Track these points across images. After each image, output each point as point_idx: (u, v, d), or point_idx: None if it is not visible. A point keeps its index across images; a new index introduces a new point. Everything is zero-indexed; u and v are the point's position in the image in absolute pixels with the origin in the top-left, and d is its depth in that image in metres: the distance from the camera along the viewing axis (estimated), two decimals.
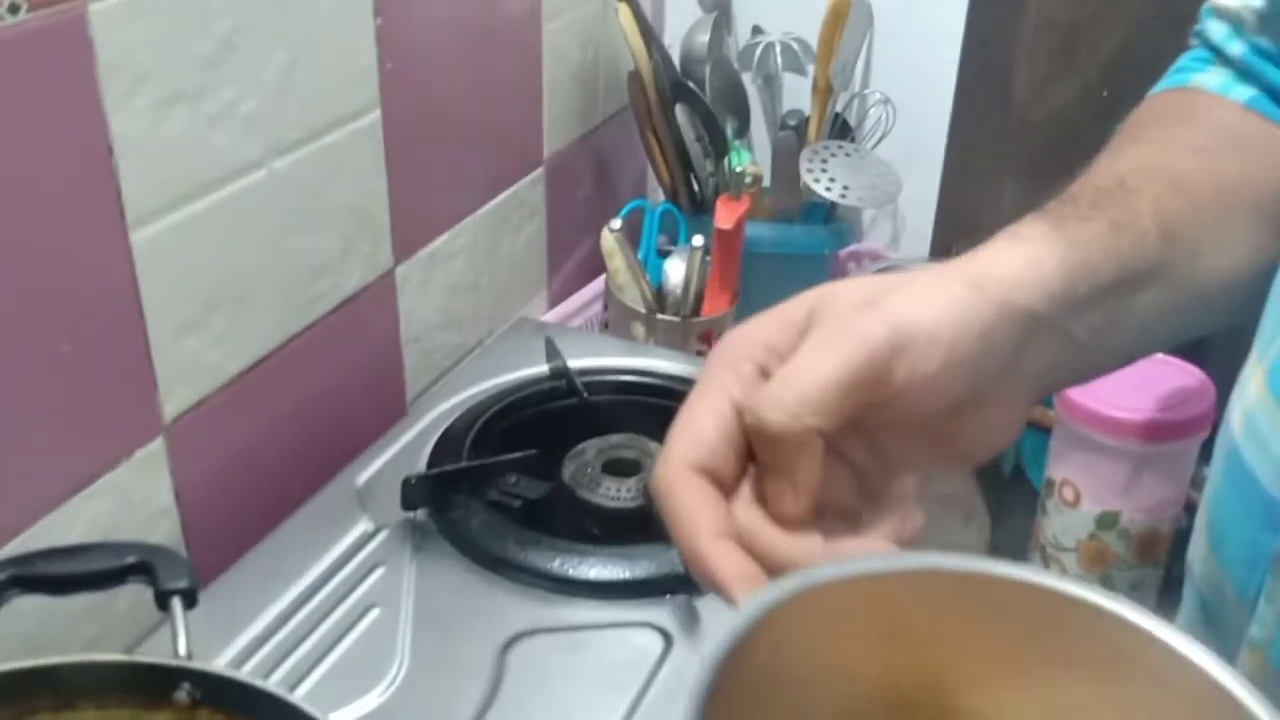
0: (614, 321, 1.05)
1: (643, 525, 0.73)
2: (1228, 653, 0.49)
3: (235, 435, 0.75)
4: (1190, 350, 0.85)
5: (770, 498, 0.37)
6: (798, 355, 0.38)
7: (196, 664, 0.50)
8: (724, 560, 0.36)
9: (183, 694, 0.50)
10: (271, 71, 0.71)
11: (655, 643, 0.67)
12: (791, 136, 1.08)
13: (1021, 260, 0.42)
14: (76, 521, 0.64)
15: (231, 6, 0.67)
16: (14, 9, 0.55)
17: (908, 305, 0.39)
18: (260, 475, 0.77)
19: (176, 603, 0.52)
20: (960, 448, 0.42)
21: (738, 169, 1.04)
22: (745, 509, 0.37)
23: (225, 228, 0.70)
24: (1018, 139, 1.08)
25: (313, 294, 0.79)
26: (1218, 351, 0.86)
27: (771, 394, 0.37)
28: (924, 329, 0.38)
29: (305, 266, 0.78)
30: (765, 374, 0.38)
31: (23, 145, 0.57)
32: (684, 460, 0.37)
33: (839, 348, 0.37)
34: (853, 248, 1.19)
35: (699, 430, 0.37)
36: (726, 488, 0.38)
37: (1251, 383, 0.49)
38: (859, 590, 0.34)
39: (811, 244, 1.11)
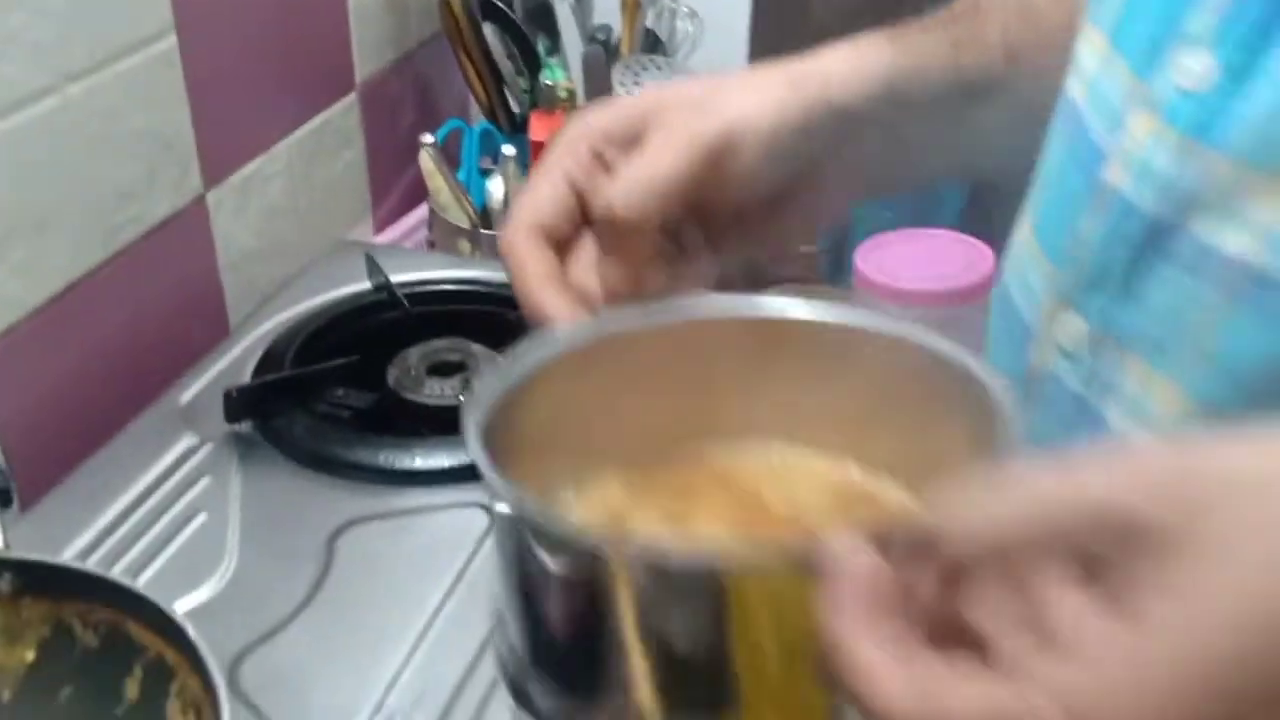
0: (440, 241, 1.08)
1: None
2: None
3: (49, 363, 0.76)
4: (977, 231, 0.92)
5: (600, 272, 0.43)
6: (642, 153, 0.43)
7: (15, 554, 0.52)
8: (552, 298, 0.42)
9: (4, 584, 0.51)
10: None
11: (479, 520, 0.71)
12: (600, 51, 1.11)
13: (846, 63, 0.48)
14: None
15: None
16: None
17: (735, 105, 0.44)
18: (80, 400, 0.78)
19: None
20: (780, 233, 0.48)
21: (549, 84, 1.06)
22: (582, 272, 0.43)
23: (19, 157, 0.71)
24: (816, 44, 1.13)
25: (118, 221, 0.80)
26: (1003, 230, 0.93)
27: (619, 186, 0.42)
28: (749, 125, 0.44)
29: (108, 194, 0.79)
30: (600, 158, 0.44)
31: None
32: (523, 222, 0.43)
33: (675, 147, 0.43)
34: None
35: (538, 200, 0.44)
36: (560, 248, 0.44)
37: (1021, 228, 0.54)
38: (635, 340, 0.41)
39: None
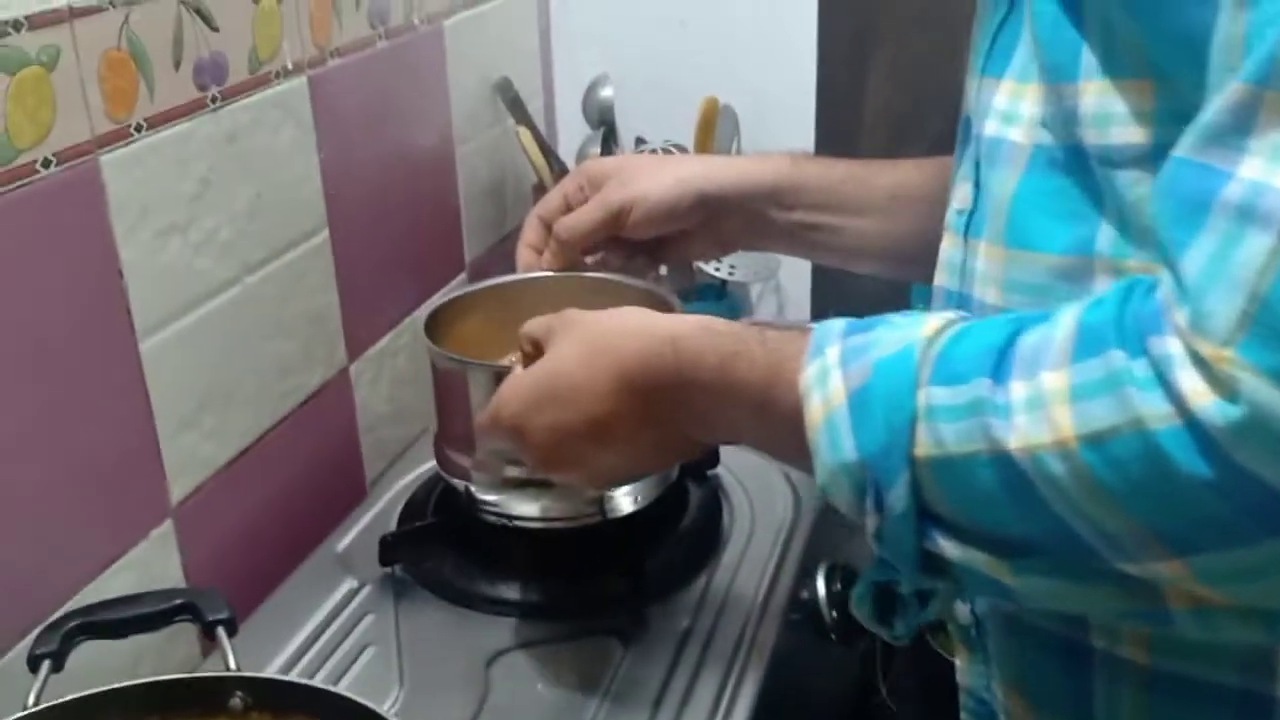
0: None
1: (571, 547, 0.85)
2: None
3: (229, 516, 0.86)
4: None
5: (549, 253, 0.85)
6: (582, 207, 0.83)
7: (246, 672, 0.61)
8: (525, 254, 0.86)
9: (236, 701, 0.60)
10: (242, 203, 0.84)
11: (615, 646, 0.79)
12: None
13: (735, 168, 0.84)
14: (107, 594, 0.74)
15: (206, 151, 0.80)
16: (46, 163, 0.67)
17: (641, 184, 0.81)
18: (252, 549, 0.88)
19: (221, 631, 0.63)
20: (686, 254, 0.88)
21: None
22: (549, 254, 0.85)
23: (211, 337, 0.82)
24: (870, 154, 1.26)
25: (282, 391, 0.91)
26: None
27: (563, 221, 0.83)
28: (643, 198, 0.81)
29: (275, 368, 0.90)
30: (580, 189, 0.84)
31: (47, 272, 0.69)
32: (535, 211, 0.86)
33: (595, 205, 0.82)
34: (748, 319, 1.35)
35: (548, 201, 0.85)
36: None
37: None
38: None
39: None
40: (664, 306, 0.82)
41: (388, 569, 0.86)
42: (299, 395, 0.93)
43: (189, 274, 0.80)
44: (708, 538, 0.89)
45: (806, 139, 1.27)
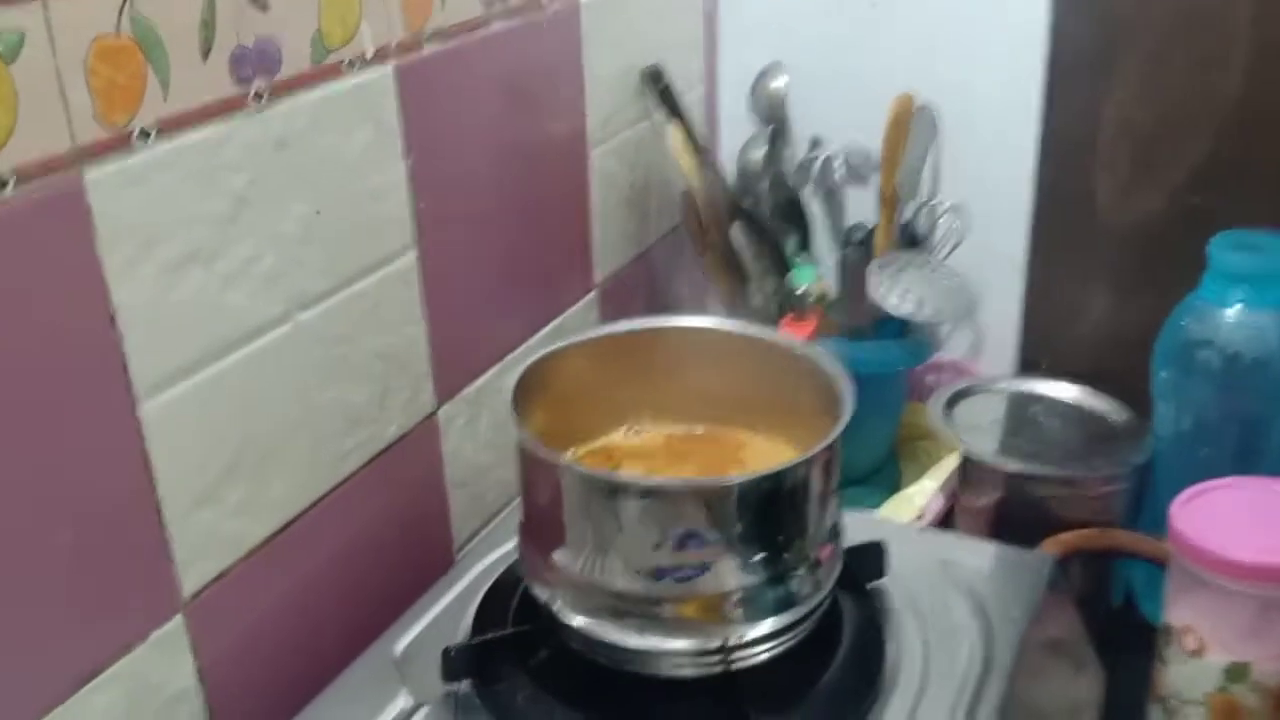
0: None
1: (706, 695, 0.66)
2: None
3: (261, 606, 0.70)
4: None
5: None
6: None
7: None
8: None
9: None
10: (292, 223, 0.68)
11: None
12: (858, 251, 1.02)
13: None
14: (84, 717, 0.59)
15: (244, 161, 0.64)
16: (1, 183, 0.52)
17: None
18: (290, 647, 0.72)
19: None
20: None
21: (799, 289, 0.98)
22: None
23: (244, 390, 0.66)
24: (1104, 248, 1.01)
25: (345, 449, 0.75)
26: None
27: None
28: None
29: (336, 421, 0.74)
30: None
31: (16, 325, 0.54)
32: None
33: None
34: (933, 359, 1.12)
35: None
36: None
37: None
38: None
39: (886, 361, 1.04)
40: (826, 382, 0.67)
41: (451, 685, 0.69)
42: (366, 451, 0.77)
43: (214, 314, 0.64)
44: (861, 693, 0.68)
45: (1025, 152, 1.03)
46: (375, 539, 0.79)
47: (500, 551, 0.82)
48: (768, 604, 0.64)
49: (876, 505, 1.07)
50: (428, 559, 0.83)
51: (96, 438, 0.58)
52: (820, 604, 0.67)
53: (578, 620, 0.65)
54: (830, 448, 0.64)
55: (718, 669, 0.64)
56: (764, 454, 0.73)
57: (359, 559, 0.77)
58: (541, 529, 0.66)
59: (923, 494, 1.06)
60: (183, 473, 0.63)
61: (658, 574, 0.62)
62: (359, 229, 0.73)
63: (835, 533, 0.69)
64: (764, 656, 0.65)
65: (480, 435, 0.88)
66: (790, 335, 0.73)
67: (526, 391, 0.69)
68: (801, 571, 0.65)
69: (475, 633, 0.73)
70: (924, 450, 1.16)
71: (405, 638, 0.74)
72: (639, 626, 0.63)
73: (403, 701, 0.69)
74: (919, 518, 0.96)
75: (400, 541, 0.81)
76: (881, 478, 1.11)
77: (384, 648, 0.73)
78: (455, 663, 0.68)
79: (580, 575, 0.64)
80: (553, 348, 0.72)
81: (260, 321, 0.67)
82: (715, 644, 0.64)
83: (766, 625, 0.64)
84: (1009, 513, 0.92)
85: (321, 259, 0.71)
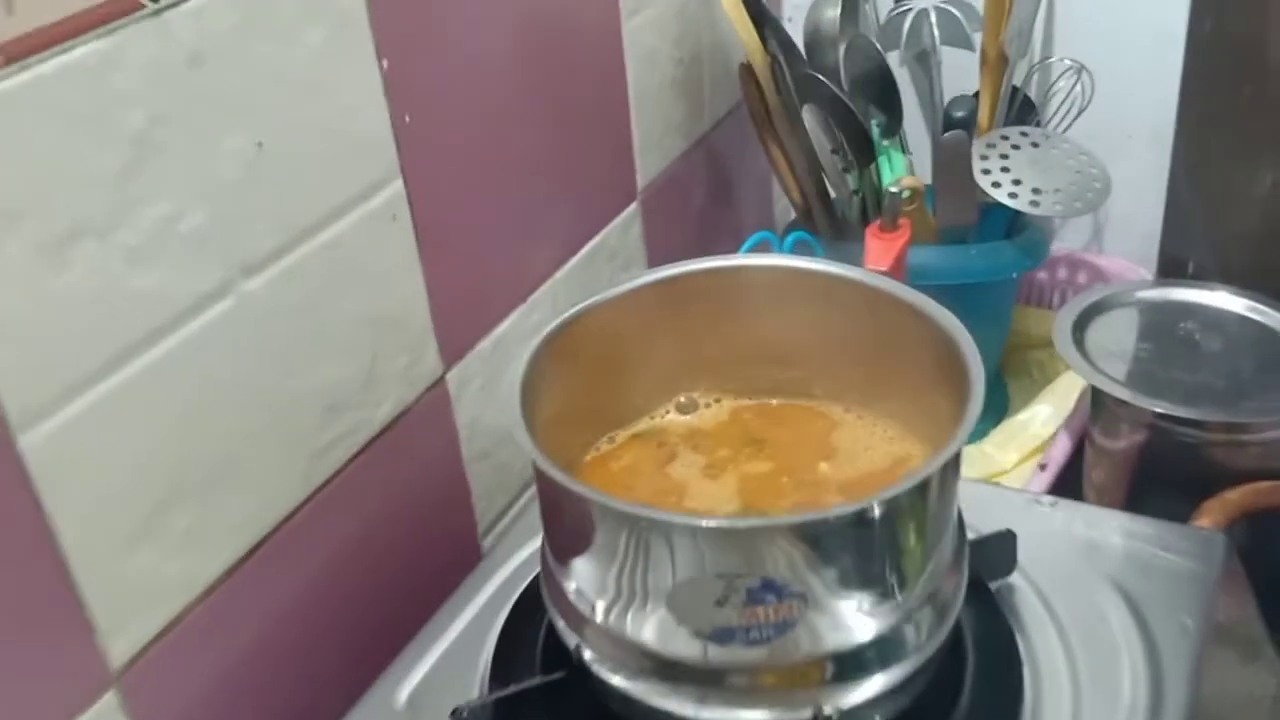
0: None
1: None
2: None
3: (226, 658, 0.56)
4: None
5: None
6: None
7: None
8: None
9: None
10: (223, 164, 0.51)
11: None
12: (962, 137, 0.82)
13: None
14: None
15: (145, 89, 0.47)
16: None
17: None
18: (263, 704, 0.58)
19: None
20: None
21: (891, 185, 0.79)
22: None
23: (173, 394, 0.51)
24: (1275, 116, 0.80)
25: (323, 443, 0.59)
26: None
27: None
28: None
29: (310, 411, 0.58)
30: None
31: None
32: None
33: None
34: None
35: None
36: None
37: None
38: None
39: (995, 267, 0.85)
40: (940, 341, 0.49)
41: None
42: (353, 442, 0.61)
43: (118, 301, 0.48)
44: None
45: (1161, 24, 0.81)
46: (374, 546, 0.64)
47: (537, 539, 0.67)
48: (873, 660, 0.48)
49: (982, 434, 0.90)
50: (446, 557, 0.68)
51: None
52: (942, 646, 0.51)
53: (616, 680, 0.50)
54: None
55: None
56: (862, 440, 0.57)
57: (354, 575, 0.62)
58: (564, 560, 0.51)
59: (1039, 422, 0.89)
60: (94, 514, 0.48)
61: (721, 636, 0.46)
62: (319, 161, 0.56)
63: (961, 547, 0.52)
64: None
65: (501, 396, 0.72)
66: (891, 280, 0.55)
67: (543, 367, 0.52)
68: (921, 614, 0.49)
69: (496, 671, 0.58)
70: (1035, 363, 0.98)
71: (412, 678, 0.59)
72: (697, 696, 0.48)
73: None
74: (1042, 466, 0.79)
75: (408, 543, 0.66)
76: (987, 400, 0.93)
77: (382, 696, 0.59)
78: None
79: (615, 631, 0.48)
80: (577, 308, 0.55)
81: (188, 302, 0.51)
82: (802, 715, 0.48)
83: (874, 685, 0.49)
84: (1156, 460, 0.75)
85: (270, 206, 0.54)
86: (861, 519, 0.44)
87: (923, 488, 0.45)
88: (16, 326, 0.44)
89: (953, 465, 0.47)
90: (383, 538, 0.65)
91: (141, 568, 0.50)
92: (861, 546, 0.45)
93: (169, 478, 0.51)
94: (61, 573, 0.47)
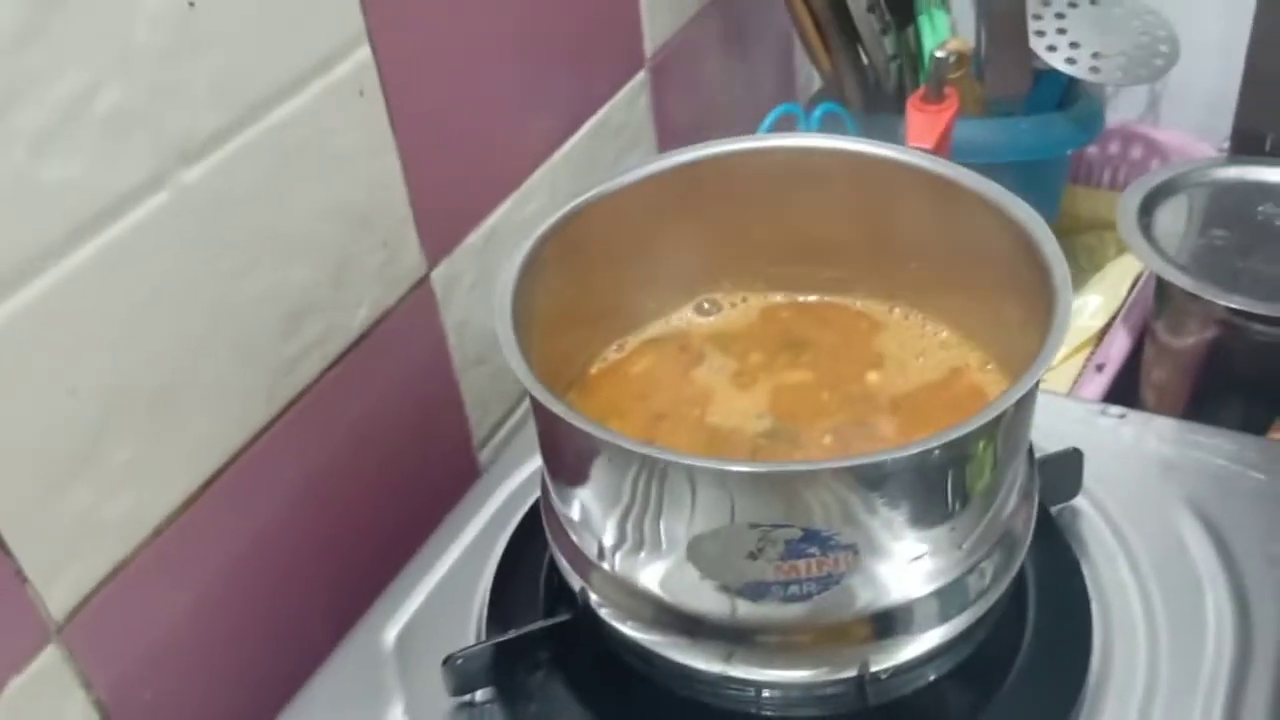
0: None
1: None
2: None
3: (182, 604, 0.49)
4: None
5: None
6: None
7: None
8: None
9: None
10: (145, 28, 0.42)
11: None
12: None
13: None
14: None
15: None
16: None
17: None
18: (230, 652, 0.51)
19: None
20: None
21: (936, 50, 0.69)
22: None
23: (102, 306, 0.43)
24: None
25: (288, 355, 0.51)
26: None
27: None
28: None
29: (270, 319, 0.50)
30: None
31: None
32: None
33: None
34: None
35: None
36: None
37: None
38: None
39: (1047, 143, 0.76)
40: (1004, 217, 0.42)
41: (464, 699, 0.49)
42: (324, 353, 0.54)
43: (25, 199, 0.39)
44: (1061, 698, 0.45)
45: None
46: (354, 469, 0.56)
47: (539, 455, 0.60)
48: (929, 615, 0.41)
49: None
50: (439, 476, 0.61)
51: None
52: (1005, 593, 0.44)
53: (628, 630, 0.43)
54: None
55: (850, 705, 0.42)
56: (912, 345, 0.49)
57: (334, 503, 0.55)
58: (565, 496, 0.43)
59: (1088, 313, 0.81)
60: (18, 452, 0.41)
61: (753, 592, 0.39)
62: (267, 25, 0.47)
63: (1031, 478, 0.45)
64: (922, 682, 0.43)
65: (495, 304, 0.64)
66: (947, 163, 0.46)
67: (538, 271, 0.44)
68: (984, 562, 0.42)
69: (494, 609, 0.51)
70: (1084, 249, 0.90)
71: (400, 616, 0.53)
72: (724, 653, 0.41)
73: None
74: (1099, 368, 0.71)
75: (395, 463, 0.59)
76: None
77: (368, 636, 0.52)
78: (463, 673, 0.47)
79: (625, 578, 0.41)
80: (576, 203, 0.47)
81: (113, 196, 0.42)
82: (846, 674, 0.41)
83: (930, 639, 0.42)
84: (1227, 361, 0.67)
85: (209, 80, 0.45)
86: (925, 461, 0.37)
87: (997, 422, 0.37)
88: None
89: (1031, 393, 0.39)
90: (366, 458, 0.58)
91: (77, 508, 0.43)
92: (923, 491, 0.38)
93: (103, 404, 0.43)
94: None
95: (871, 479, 0.36)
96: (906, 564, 0.39)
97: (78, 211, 0.41)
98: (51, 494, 0.42)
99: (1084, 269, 0.88)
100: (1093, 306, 0.82)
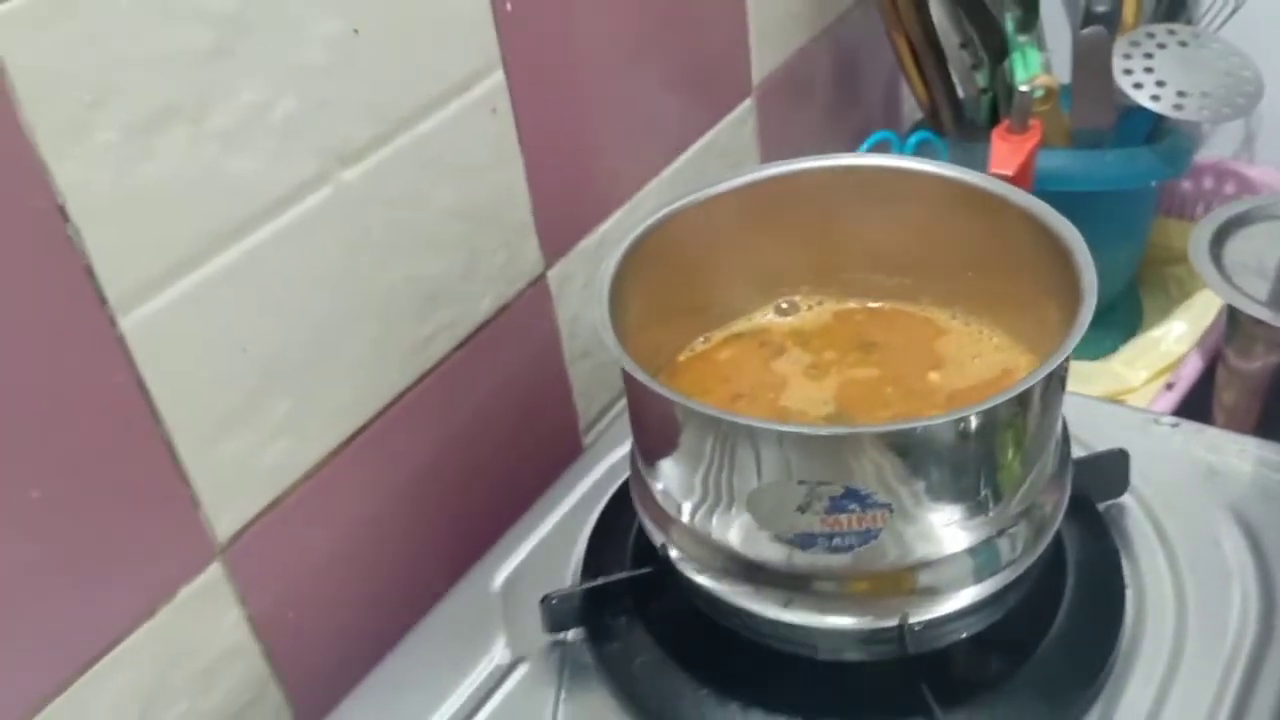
0: None
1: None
2: None
3: (326, 537, 0.57)
4: None
5: None
6: None
7: None
8: None
9: None
10: (317, 49, 0.51)
11: None
12: (1100, 29, 0.77)
13: None
14: (103, 693, 0.49)
15: None
16: None
17: None
18: (363, 584, 0.59)
19: None
20: None
21: (1023, 84, 0.75)
22: None
23: (271, 281, 0.51)
24: None
25: (423, 335, 0.60)
26: None
27: None
28: None
29: (408, 302, 0.58)
30: None
31: None
32: None
33: None
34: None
35: None
36: None
37: None
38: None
39: (1130, 175, 0.80)
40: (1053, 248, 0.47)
41: (557, 635, 0.56)
42: (453, 335, 0.62)
43: (215, 187, 0.48)
44: (1086, 677, 0.50)
45: None
46: (474, 437, 0.64)
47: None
48: (965, 573, 0.47)
49: (1112, 349, 0.86)
50: (548, 450, 0.69)
51: (69, 371, 0.45)
52: (1037, 562, 0.49)
53: (702, 579, 0.50)
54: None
55: (892, 653, 0.48)
56: (969, 349, 0.54)
57: (456, 465, 0.63)
58: (651, 461, 0.50)
59: (1172, 339, 0.84)
60: (195, 396, 0.49)
61: (803, 541, 0.45)
62: (417, 50, 0.55)
63: (1063, 463, 0.50)
64: (957, 638, 0.48)
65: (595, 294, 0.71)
66: (1001, 183, 0.52)
67: (635, 268, 0.51)
68: (1016, 529, 0.47)
69: (589, 562, 0.58)
70: (1174, 279, 0.93)
71: (509, 564, 0.60)
72: (782, 599, 0.47)
73: (498, 655, 0.56)
74: (1169, 385, 0.75)
75: (511, 436, 0.67)
76: (1119, 315, 0.90)
77: (479, 580, 0.60)
78: (557, 613, 0.54)
79: (700, 531, 0.48)
80: (670, 209, 0.54)
81: (285, 189, 0.51)
82: (888, 623, 0.47)
83: (964, 598, 0.47)
84: None
85: (366, 95, 0.53)
86: (953, 431, 0.42)
87: (1022, 400, 0.43)
88: (110, 209, 0.44)
89: (1056, 377, 0.45)
90: (485, 429, 0.65)
91: (243, 448, 0.52)
92: (954, 459, 0.44)
93: (267, 363, 0.52)
94: (167, 450, 0.49)
95: (902, 445, 0.42)
96: (938, 525, 0.45)
97: (256, 200, 0.50)
98: (223, 434, 0.51)
99: (1173, 298, 0.91)
100: (1177, 332, 0.85)
